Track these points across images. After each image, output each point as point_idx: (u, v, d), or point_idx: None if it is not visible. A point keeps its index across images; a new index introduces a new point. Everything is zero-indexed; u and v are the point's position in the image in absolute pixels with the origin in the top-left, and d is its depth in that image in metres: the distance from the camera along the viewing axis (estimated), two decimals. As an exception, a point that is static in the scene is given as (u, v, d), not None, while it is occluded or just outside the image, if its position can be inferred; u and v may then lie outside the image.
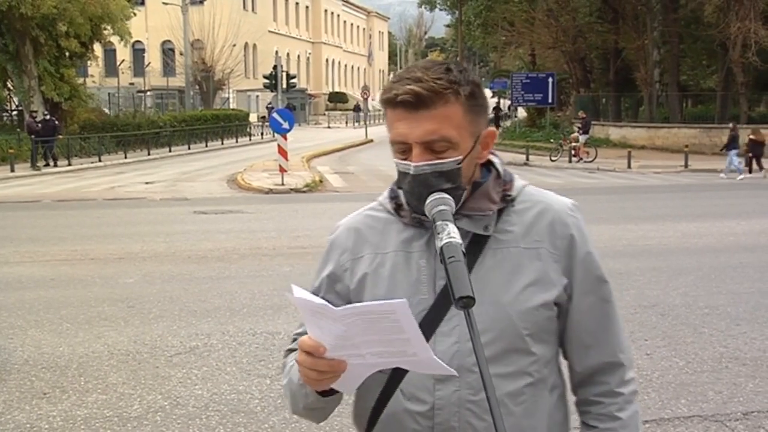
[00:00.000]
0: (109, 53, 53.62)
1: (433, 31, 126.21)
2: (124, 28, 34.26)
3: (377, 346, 1.42)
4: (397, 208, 1.72)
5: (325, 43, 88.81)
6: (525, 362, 1.64)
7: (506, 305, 1.62)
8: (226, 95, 56.98)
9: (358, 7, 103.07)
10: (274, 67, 31.99)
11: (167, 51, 60.74)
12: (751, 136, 24.09)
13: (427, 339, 1.61)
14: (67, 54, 32.56)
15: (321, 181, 22.43)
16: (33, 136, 27.01)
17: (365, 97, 48.08)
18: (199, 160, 31.69)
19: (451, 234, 1.46)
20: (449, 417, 1.62)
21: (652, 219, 13.74)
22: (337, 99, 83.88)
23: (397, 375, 1.65)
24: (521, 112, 50.87)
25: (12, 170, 25.26)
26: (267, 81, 32.59)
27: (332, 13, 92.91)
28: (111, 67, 52.65)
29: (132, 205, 17.61)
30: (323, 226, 13.70)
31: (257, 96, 63.77)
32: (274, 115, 22.18)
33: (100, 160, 29.47)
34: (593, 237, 1.75)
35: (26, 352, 6.69)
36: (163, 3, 50.31)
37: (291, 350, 1.82)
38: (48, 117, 28.39)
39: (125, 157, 30.98)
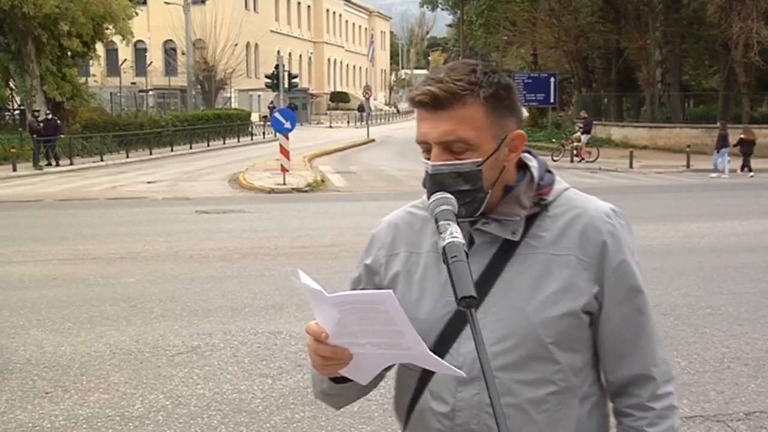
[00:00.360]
0: (111, 53, 53.66)
1: (435, 31, 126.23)
2: (126, 27, 34.31)
3: (374, 337, 1.45)
4: None
5: (326, 43, 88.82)
6: (548, 370, 1.62)
7: (529, 312, 1.60)
8: (228, 95, 57.00)
9: (359, 6, 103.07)
10: (276, 67, 32.03)
11: (169, 50, 60.76)
12: (742, 135, 24.45)
13: (452, 342, 1.62)
14: (69, 53, 32.62)
15: (323, 181, 22.44)
16: (35, 136, 27.03)
17: (367, 96, 48.08)
18: (201, 160, 31.70)
19: (453, 234, 1.46)
20: (469, 419, 1.62)
21: (653, 219, 13.74)
22: (338, 99, 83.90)
23: (427, 373, 1.66)
24: (523, 112, 50.77)
25: (14, 170, 25.30)
26: (269, 80, 32.64)
27: (334, 12, 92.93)
28: (113, 67, 52.71)
29: (134, 205, 17.63)
30: (325, 226, 13.72)
31: (259, 95, 63.78)
32: (276, 114, 22.17)
33: (102, 160, 29.48)
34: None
35: (28, 352, 6.69)
36: (165, 2, 50.34)
37: None
38: (50, 116, 28.42)
39: (127, 157, 30.99)
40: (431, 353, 1.46)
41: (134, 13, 35.88)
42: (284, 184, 20.87)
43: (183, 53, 48.54)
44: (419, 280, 1.69)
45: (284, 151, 21.41)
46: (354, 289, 1.80)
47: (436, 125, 1.58)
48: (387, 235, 1.79)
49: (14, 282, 9.38)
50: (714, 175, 23.57)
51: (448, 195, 1.56)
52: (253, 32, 63.75)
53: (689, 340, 6.80)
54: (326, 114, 74.11)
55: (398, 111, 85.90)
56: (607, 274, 1.64)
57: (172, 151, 34.95)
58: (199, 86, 50.67)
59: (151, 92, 52.87)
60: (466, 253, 1.44)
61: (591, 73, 42.90)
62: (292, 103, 49.69)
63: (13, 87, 34.19)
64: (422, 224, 1.74)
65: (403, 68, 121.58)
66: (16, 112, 38.19)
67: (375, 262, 1.79)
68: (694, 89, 41.38)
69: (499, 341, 1.60)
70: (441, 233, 1.48)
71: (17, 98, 36.25)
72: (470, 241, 1.65)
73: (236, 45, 53.84)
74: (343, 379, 1.62)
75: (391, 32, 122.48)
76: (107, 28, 34.31)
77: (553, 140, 32.21)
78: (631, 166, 25.79)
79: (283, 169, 21.40)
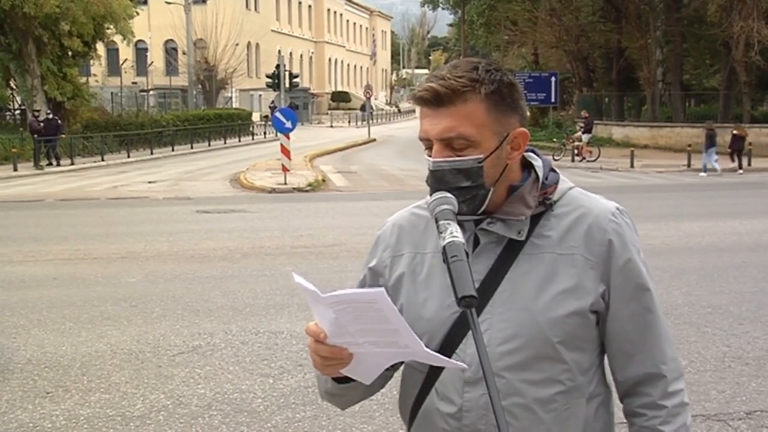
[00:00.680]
0: (112, 52, 53.63)
1: (436, 31, 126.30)
2: (127, 27, 34.33)
3: (371, 336, 1.45)
4: None
5: (327, 43, 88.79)
6: (556, 370, 1.61)
7: (536, 312, 1.60)
8: (229, 94, 56.99)
9: (360, 6, 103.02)
10: (277, 67, 32.02)
11: (170, 50, 60.74)
12: (734, 131, 24.92)
13: (458, 342, 1.62)
14: (70, 53, 32.64)
15: (324, 181, 22.45)
16: (36, 136, 27.04)
17: (368, 96, 48.08)
18: (202, 160, 31.70)
19: (453, 233, 1.46)
20: (476, 420, 1.62)
21: (654, 218, 13.73)
22: (339, 98, 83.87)
23: (432, 374, 1.66)
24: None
25: (15, 169, 25.31)
26: (270, 80, 32.63)
27: (335, 12, 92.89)
28: (114, 67, 52.68)
29: (135, 205, 17.63)
30: (326, 226, 13.72)
31: (260, 95, 63.80)
32: (277, 114, 22.17)
33: (102, 160, 29.50)
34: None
35: (29, 352, 6.70)
36: (166, 2, 50.30)
37: None
38: (51, 116, 28.43)
39: (128, 157, 31.00)
40: (429, 350, 1.46)
41: (135, 13, 35.91)
42: (285, 183, 20.87)
43: (184, 53, 48.55)
44: (424, 281, 1.69)
45: (285, 151, 21.41)
46: None
47: (437, 122, 1.58)
48: (392, 235, 1.79)
49: (15, 282, 9.38)
50: (703, 174, 23.78)
51: (448, 194, 1.55)
52: (253, 32, 63.74)
53: (690, 339, 6.80)
54: (327, 114, 74.09)
55: (399, 110, 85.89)
56: (613, 273, 1.64)
57: (173, 150, 34.96)
58: (200, 86, 50.67)
59: (152, 92, 52.86)
60: (467, 253, 1.43)
61: (592, 72, 42.89)
62: (293, 103, 49.71)
63: (14, 87, 34.19)
64: (426, 225, 1.73)
65: (404, 68, 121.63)
66: (17, 112, 38.18)
67: (379, 264, 1.79)
68: (695, 89, 41.35)
69: (506, 341, 1.60)
70: (441, 233, 1.48)
71: (18, 98, 36.27)
72: (475, 241, 1.65)
73: (237, 45, 53.83)
74: (346, 379, 1.62)
75: (392, 32, 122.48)
76: (108, 28, 34.33)
77: (554, 140, 32.20)
78: (632, 166, 25.78)
79: (284, 169, 21.40)
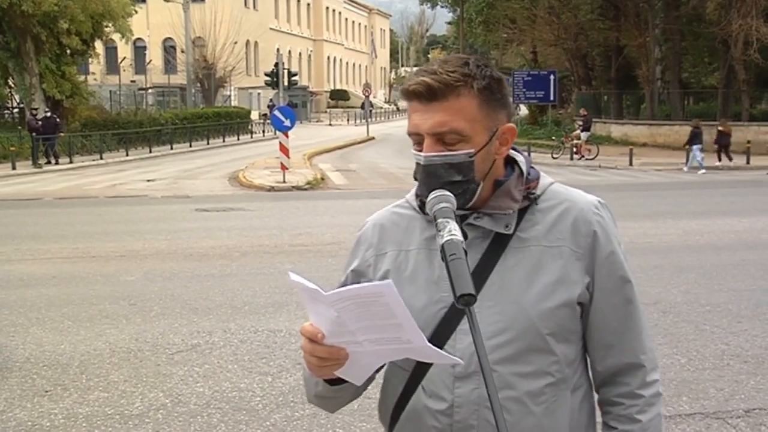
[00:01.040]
0: (111, 51, 53.65)
1: (435, 29, 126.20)
2: (126, 25, 34.30)
3: (372, 333, 1.44)
4: (422, 206, 1.71)
5: (326, 41, 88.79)
6: (546, 362, 1.63)
7: (526, 305, 1.61)
8: (228, 93, 56.97)
9: (359, 4, 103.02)
10: (276, 65, 32.01)
11: (168, 48, 60.73)
12: (720, 128, 25.33)
13: (448, 337, 1.63)
14: (68, 51, 32.60)
15: (322, 179, 22.44)
16: (34, 134, 27.01)
17: (367, 94, 48.08)
18: (201, 158, 31.68)
19: (452, 231, 1.46)
20: (468, 415, 1.62)
21: (653, 216, 13.73)
22: (338, 96, 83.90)
23: (418, 372, 1.66)
24: (523, 110, 50.82)
25: (13, 168, 25.29)
26: (268, 78, 32.63)
27: (334, 10, 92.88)
28: (112, 65, 52.67)
29: (133, 203, 17.62)
30: (325, 224, 13.72)
31: (259, 93, 63.76)
32: (276, 112, 22.17)
33: (101, 158, 29.47)
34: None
35: (28, 350, 6.70)
36: (165, 0, 50.30)
37: None
38: (49, 114, 28.40)
39: (127, 155, 30.96)
40: (430, 345, 1.46)
41: (133, 11, 35.85)
42: (284, 182, 20.87)
43: (182, 51, 48.50)
44: (410, 277, 1.69)
45: (284, 149, 21.41)
46: None
47: (429, 116, 1.59)
48: (373, 235, 1.79)
49: (14, 280, 9.38)
50: (686, 169, 24.23)
51: (447, 192, 1.56)
52: (252, 30, 63.75)
53: (689, 338, 6.80)
54: (326, 112, 74.10)
55: (398, 109, 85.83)
56: (598, 265, 1.66)
57: (171, 149, 34.93)
58: (198, 84, 50.63)
59: (150, 90, 52.79)
60: (465, 251, 1.43)
61: (591, 70, 42.90)
62: (292, 101, 49.71)
63: (12, 85, 34.17)
64: (409, 222, 1.75)
65: (402, 66, 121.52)
66: (16, 110, 38.15)
67: (362, 264, 1.78)
68: (694, 87, 41.34)
69: (496, 334, 1.61)
70: (440, 231, 1.48)
71: (16, 96, 36.23)
72: (463, 237, 1.65)
73: (236, 43, 53.83)
74: (338, 381, 1.61)
75: (391, 30, 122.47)
76: (106, 26, 34.29)
77: (553, 138, 32.21)
78: (630, 164, 25.81)
79: (283, 167, 21.40)
